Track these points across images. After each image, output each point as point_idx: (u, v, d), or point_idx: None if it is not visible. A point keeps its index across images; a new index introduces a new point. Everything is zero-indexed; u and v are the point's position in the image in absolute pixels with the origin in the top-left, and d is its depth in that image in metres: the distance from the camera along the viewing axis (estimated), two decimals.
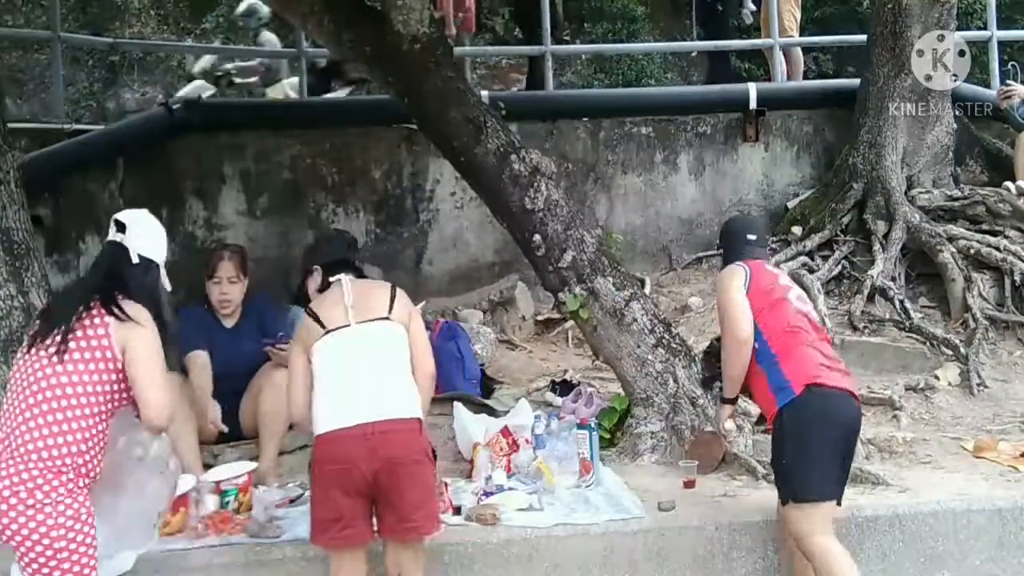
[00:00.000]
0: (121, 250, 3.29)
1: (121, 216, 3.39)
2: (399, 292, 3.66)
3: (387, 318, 3.54)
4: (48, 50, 8.21)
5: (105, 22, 10.55)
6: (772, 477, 4.28)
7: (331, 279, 3.67)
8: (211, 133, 6.80)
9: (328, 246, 4.42)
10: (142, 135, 6.80)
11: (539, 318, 6.61)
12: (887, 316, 6.14)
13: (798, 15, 8.72)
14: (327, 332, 3.47)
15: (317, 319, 3.52)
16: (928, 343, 5.89)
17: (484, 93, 6.65)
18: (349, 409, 3.31)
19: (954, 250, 6.28)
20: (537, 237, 4.83)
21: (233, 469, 4.17)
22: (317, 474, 3.37)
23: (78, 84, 10.08)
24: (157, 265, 3.34)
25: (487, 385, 5.57)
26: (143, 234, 3.34)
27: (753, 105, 7.23)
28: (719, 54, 8.75)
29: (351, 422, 3.31)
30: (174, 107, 6.84)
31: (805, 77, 8.82)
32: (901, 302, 6.14)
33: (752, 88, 7.36)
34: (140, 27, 10.94)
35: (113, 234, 3.34)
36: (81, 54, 10.29)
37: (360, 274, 3.77)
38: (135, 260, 3.28)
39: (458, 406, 4.90)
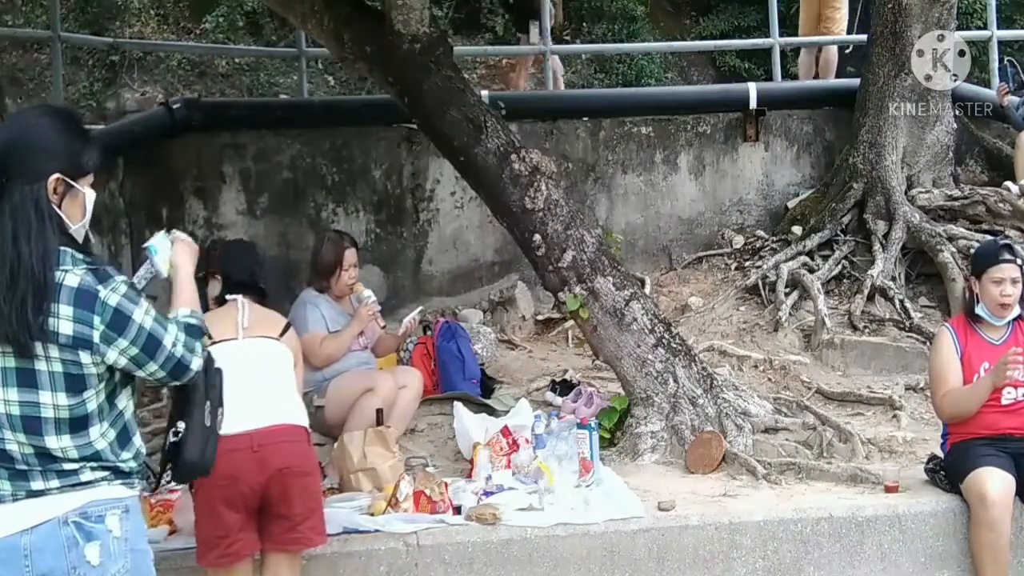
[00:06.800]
0: None
1: None
2: (292, 328, 3.77)
3: (276, 339, 3.62)
4: (48, 50, 8.21)
5: (105, 22, 10.51)
6: (772, 477, 4.29)
7: (228, 297, 3.69)
8: (211, 133, 6.81)
9: (237, 258, 3.98)
10: (142, 135, 6.80)
11: (539, 318, 6.61)
12: (887, 316, 6.13)
13: (842, 14, 8.42)
14: (212, 343, 3.26)
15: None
16: (928, 343, 5.88)
17: (484, 93, 6.65)
18: (232, 415, 2.89)
19: (954, 250, 6.27)
20: (537, 237, 4.82)
21: None
22: (201, 490, 3.23)
23: (78, 84, 10.05)
24: None
25: (487, 385, 5.57)
26: None
27: (753, 105, 7.23)
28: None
29: (234, 429, 3.13)
30: (174, 107, 6.84)
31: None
32: (901, 302, 6.14)
33: (752, 88, 7.36)
34: (140, 27, 10.91)
35: None
36: (81, 54, 10.27)
37: (261, 297, 3.78)
38: None
39: (458, 406, 4.91)
